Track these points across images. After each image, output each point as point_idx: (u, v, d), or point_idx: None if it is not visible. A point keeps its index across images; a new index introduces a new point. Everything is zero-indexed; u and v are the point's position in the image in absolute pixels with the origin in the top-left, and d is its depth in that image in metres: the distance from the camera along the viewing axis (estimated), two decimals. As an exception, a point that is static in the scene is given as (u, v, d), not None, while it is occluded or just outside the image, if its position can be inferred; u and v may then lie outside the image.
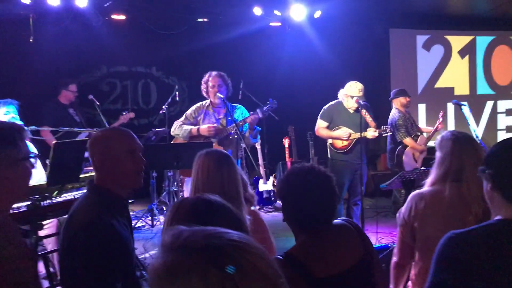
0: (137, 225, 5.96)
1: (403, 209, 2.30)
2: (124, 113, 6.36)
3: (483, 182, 1.54)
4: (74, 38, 7.22)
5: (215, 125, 4.63)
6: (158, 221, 6.13)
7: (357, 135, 5.14)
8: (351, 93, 5.18)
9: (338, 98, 5.41)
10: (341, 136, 5.26)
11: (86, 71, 7.64)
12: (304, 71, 8.34)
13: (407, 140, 6.00)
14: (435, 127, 6.16)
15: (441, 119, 6.18)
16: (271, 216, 6.72)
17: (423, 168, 4.93)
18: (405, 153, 6.07)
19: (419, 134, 6.15)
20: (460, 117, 6.86)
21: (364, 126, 5.26)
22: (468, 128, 5.85)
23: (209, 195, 1.35)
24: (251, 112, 4.63)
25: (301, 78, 8.35)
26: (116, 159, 1.90)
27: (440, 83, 9.04)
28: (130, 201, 2.74)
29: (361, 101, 5.06)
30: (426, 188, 2.30)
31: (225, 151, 2.37)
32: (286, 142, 7.53)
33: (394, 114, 6.16)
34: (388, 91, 8.79)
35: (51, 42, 7.02)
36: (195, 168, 2.26)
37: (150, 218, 6.13)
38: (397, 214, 2.30)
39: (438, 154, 2.33)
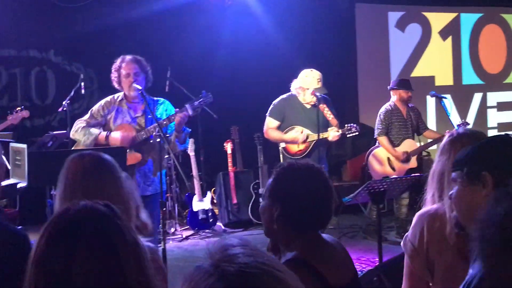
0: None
1: (409, 234, 2.27)
2: (15, 112, 6.16)
3: (461, 188, 1.59)
4: None
5: (132, 134, 4.54)
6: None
7: (315, 136, 5.19)
8: (307, 85, 5.22)
9: (291, 91, 5.45)
10: (296, 139, 5.29)
11: (-43, 56, 7.40)
12: (250, 57, 8.33)
13: (380, 139, 6.14)
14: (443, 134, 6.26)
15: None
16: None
17: (394, 176, 5.02)
18: (374, 154, 6.20)
19: (409, 138, 6.29)
20: (442, 113, 7.08)
21: (324, 125, 5.34)
22: (451, 126, 6.04)
23: (96, 204, 1.30)
24: (177, 110, 4.57)
25: (246, 65, 8.32)
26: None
27: (418, 71, 9.28)
28: (18, 227, 2.64)
29: (318, 94, 5.11)
30: (432, 206, 2.25)
31: (106, 156, 2.22)
32: (228, 147, 7.52)
33: (382, 108, 6.33)
34: (354, 80, 8.98)
35: None
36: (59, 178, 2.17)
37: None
38: (402, 242, 2.29)
39: (437, 160, 2.30)
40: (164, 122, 4.49)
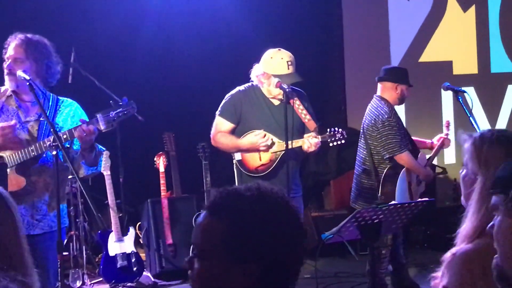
0: None
1: (445, 283, 2.39)
2: None
3: (504, 219, 1.64)
4: None
5: (15, 147, 4.48)
6: None
7: (284, 145, 5.20)
8: (272, 70, 5.26)
9: (252, 81, 5.48)
10: (255, 144, 5.30)
11: None
12: (190, 34, 8.38)
13: (404, 157, 6.14)
14: (438, 142, 6.46)
15: (447, 132, 6.57)
16: (132, 302, 6.70)
17: (393, 202, 5.04)
18: (401, 177, 6.22)
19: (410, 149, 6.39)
20: (463, 111, 7.19)
21: (298, 130, 5.36)
22: (474, 129, 6.12)
23: None
24: (82, 120, 4.47)
25: (185, 45, 8.36)
26: None
27: (429, 55, 9.38)
28: None
29: (286, 86, 5.13)
30: (464, 245, 2.37)
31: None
32: (160, 162, 7.49)
33: (380, 107, 6.31)
34: (339, 68, 9.03)
35: None
36: None
37: None
38: None
39: (480, 179, 2.43)
40: (64, 137, 4.44)
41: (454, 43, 9.57)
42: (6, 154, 4.48)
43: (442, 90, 7.07)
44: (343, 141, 5.44)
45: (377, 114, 6.25)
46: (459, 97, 6.09)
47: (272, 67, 5.27)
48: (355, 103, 8.96)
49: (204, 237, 1.84)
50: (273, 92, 5.32)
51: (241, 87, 5.51)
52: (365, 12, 9.14)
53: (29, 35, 4.67)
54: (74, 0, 8.06)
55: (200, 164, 7.23)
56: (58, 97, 4.74)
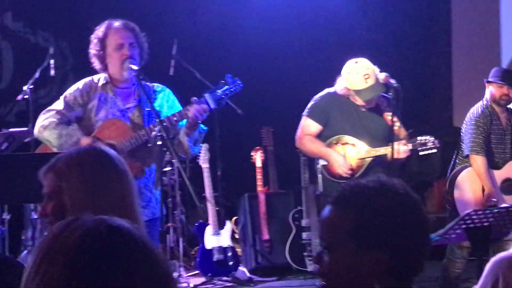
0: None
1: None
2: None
3: None
4: None
5: (129, 135, 4.56)
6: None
7: (371, 152, 5.28)
8: (352, 86, 5.28)
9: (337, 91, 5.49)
10: (337, 166, 5.30)
11: None
12: (294, 27, 8.44)
13: (477, 159, 6.05)
14: None
15: None
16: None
17: (505, 205, 4.97)
18: (459, 180, 6.10)
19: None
20: None
21: (384, 137, 5.35)
22: None
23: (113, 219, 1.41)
24: (194, 99, 4.58)
25: (288, 40, 8.43)
26: None
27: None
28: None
29: (392, 81, 5.16)
30: None
31: (112, 152, 2.43)
32: (257, 157, 7.57)
33: (477, 106, 6.18)
34: (446, 66, 8.95)
35: None
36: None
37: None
38: None
39: None
40: (175, 119, 4.54)
41: None
42: (116, 140, 4.56)
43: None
44: (434, 151, 5.38)
45: (472, 112, 6.13)
46: None
47: (351, 83, 5.26)
48: (462, 102, 8.88)
49: (333, 230, 1.91)
50: (362, 99, 5.33)
51: (331, 89, 5.49)
52: (475, 8, 9.06)
53: (125, 21, 4.71)
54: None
55: (298, 160, 7.24)
56: (149, 83, 4.77)
